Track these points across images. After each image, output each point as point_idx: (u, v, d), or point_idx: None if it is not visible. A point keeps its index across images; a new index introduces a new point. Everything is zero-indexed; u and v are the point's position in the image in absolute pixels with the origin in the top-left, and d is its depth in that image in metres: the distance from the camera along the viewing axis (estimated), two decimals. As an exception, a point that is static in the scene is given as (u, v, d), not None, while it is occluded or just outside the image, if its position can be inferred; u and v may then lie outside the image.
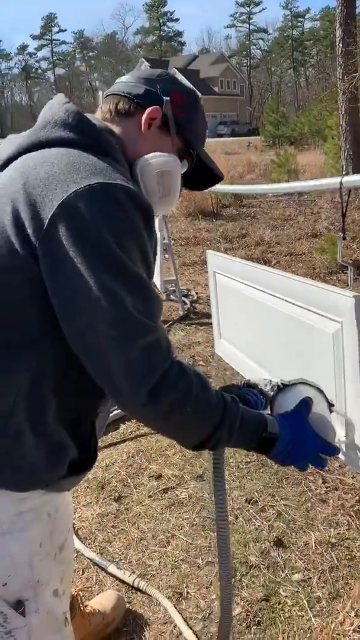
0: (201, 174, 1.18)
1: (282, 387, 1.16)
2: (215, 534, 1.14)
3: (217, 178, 1.19)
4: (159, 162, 1.05)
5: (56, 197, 0.86)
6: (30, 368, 0.90)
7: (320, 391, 1.14)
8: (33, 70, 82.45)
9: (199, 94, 1.18)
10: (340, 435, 1.21)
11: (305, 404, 1.06)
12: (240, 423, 0.96)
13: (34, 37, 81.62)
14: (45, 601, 0.99)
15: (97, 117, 1.08)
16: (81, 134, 0.96)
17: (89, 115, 1.01)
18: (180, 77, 1.15)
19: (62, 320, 0.88)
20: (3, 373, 0.89)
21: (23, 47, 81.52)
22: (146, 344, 0.87)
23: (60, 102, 1.01)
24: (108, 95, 1.11)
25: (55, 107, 1.00)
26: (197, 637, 1.58)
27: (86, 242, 0.84)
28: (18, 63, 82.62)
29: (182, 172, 1.12)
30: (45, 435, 0.93)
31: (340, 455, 1.21)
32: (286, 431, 1.01)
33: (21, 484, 0.94)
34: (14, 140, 1.02)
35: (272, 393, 1.16)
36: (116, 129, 1.06)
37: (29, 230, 0.86)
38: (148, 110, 1.06)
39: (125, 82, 1.11)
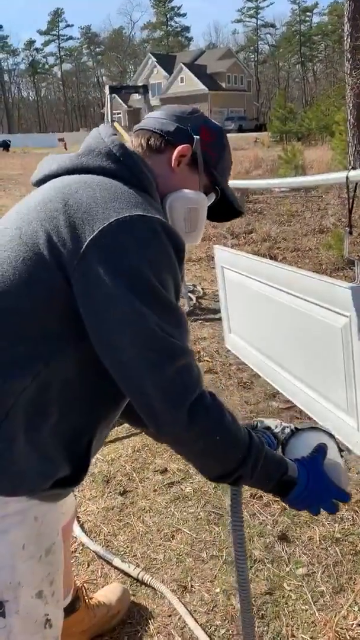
0: (223, 208, 1.20)
1: (295, 431, 1.17)
2: (235, 573, 1.12)
3: (237, 213, 1.22)
4: (188, 200, 1.08)
5: (97, 223, 0.89)
6: (38, 376, 0.91)
7: (332, 436, 1.15)
8: (40, 65, 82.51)
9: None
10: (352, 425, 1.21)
11: (322, 450, 1.07)
12: (263, 462, 0.98)
13: (41, 33, 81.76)
14: (26, 603, 0.98)
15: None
16: (124, 167, 0.99)
17: (128, 146, 1.03)
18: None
19: (94, 340, 0.91)
20: (3, 376, 0.90)
21: (30, 43, 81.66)
22: (180, 366, 0.90)
23: (107, 134, 1.04)
24: (138, 130, 1.13)
25: (101, 137, 1.04)
26: (202, 629, 1.59)
27: (122, 268, 0.88)
28: (25, 59, 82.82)
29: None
30: (38, 446, 0.93)
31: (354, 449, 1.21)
32: (304, 477, 1.02)
33: (5, 489, 0.93)
34: (55, 160, 1.06)
35: (283, 436, 1.17)
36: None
37: (65, 251, 0.89)
38: (179, 148, 1.09)
39: (157, 118, 1.13)
